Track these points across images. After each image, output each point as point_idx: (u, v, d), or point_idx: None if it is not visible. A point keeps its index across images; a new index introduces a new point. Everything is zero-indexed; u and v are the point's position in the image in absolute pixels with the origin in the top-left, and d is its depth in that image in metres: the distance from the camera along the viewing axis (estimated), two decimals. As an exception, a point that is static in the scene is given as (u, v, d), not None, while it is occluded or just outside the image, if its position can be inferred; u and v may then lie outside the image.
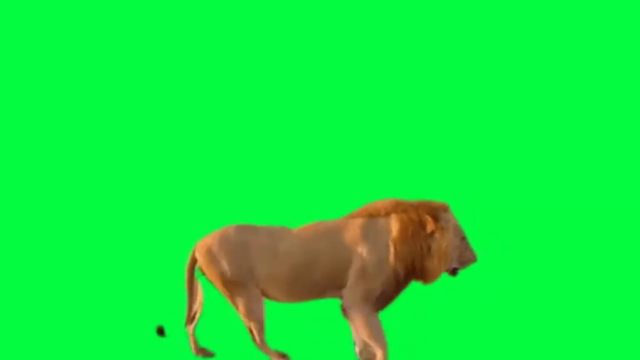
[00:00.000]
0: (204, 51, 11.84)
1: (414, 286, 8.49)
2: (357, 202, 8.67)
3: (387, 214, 8.46)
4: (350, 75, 11.74)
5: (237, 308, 8.42)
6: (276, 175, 11.46)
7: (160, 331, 8.65)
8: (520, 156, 11.55)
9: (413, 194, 8.74)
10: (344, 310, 8.45)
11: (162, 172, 11.62)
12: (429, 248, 8.41)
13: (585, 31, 11.55)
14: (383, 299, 8.43)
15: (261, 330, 8.39)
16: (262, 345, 8.41)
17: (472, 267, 8.60)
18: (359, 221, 8.47)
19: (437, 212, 8.47)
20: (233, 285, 8.40)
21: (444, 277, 8.54)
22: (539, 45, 11.61)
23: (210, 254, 8.45)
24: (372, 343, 8.31)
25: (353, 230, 8.43)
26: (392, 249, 8.35)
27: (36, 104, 11.86)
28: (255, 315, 8.38)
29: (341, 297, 8.47)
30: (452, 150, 11.53)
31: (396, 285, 8.42)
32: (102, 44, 11.89)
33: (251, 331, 8.43)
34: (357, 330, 8.40)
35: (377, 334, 8.31)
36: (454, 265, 8.59)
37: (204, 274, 8.56)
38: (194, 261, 8.59)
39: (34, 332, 9.64)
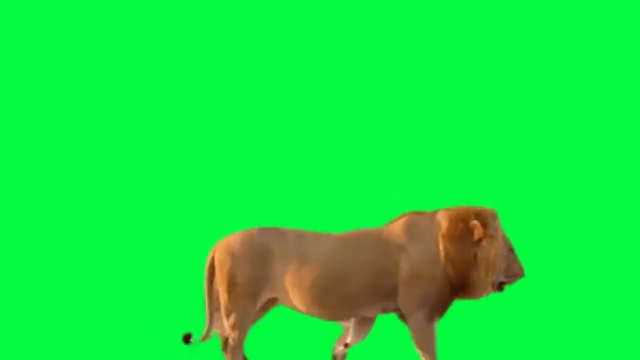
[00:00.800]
0: (225, 55, 11.67)
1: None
2: (376, 207, 8.04)
3: (433, 213, 7.71)
4: (365, 80, 11.51)
5: (227, 313, 7.72)
6: (296, 180, 11.15)
7: (187, 339, 7.98)
8: (549, 162, 11.10)
9: (435, 203, 8.08)
10: (402, 317, 7.71)
11: (182, 174, 11.44)
12: (475, 256, 7.62)
13: (585, 32, 11.25)
14: (441, 303, 7.62)
15: (239, 345, 7.74)
16: (233, 358, 7.75)
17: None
18: (401, 221, 7.72)
19: (485, 217, 7.71)
20: (238, 292, 7.67)
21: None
22: (542, 48, 11.32)
23: (228, 254, 7.73)
24: (421, 353, 7.59)
25: (397, 231, 7.67)
26: (441, 246, 7.56)
27: (52, 108, 11.75)
28: (241, 329, 7.72)
29: (380, 312, 7.72)
30: (470, 156, 11.10)
31: (450, 287, 7.60)
32: (104, 46, 11.71)
33: (227, 341, 7.75)
34: (412, 337, 7.59)
35: (428, 345, 7.57)
36: (501, 278, 7.82)
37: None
38: (213, 260, 7.81)
39: (48, 335, 9.47)
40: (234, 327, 7.69)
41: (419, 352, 7.61)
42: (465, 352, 8.41)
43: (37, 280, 10.66)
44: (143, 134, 11.51)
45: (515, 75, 11.38)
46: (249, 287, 7.66)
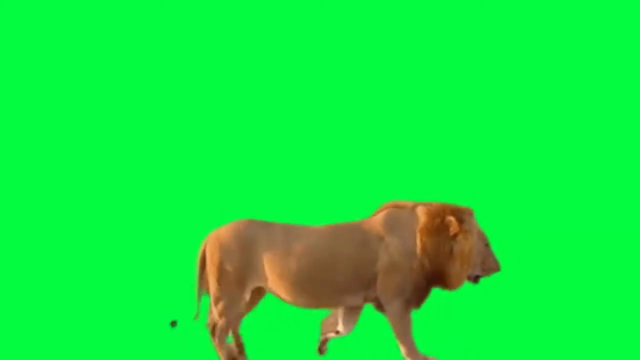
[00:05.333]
0: (215, 52, 11.74)
1: (434, 292, 8.09)
2: (366, 203, 8.29)
3: (413, 207, 8.03)
4: (360, 77, 11.61)
5: (215, 301, 8.09)
6: (287, 175, 11.27)
7: (173, 324, 8.40)
8: (531, 160, 11.29)
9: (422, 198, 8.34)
10: (379, 307, 8.09)
11: (174, 170, 11.57)
12: (451, 250, 7.96)
13: (586, 31, 11.39)
14: (417, 293, 7.99)
15: (226, 331, 8.11)
16: (220, 343, 8.13)
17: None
18: (382, 214, 8.09)
19: (461, 214, 8.05)
20: (227, 280, 8.05)
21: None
22: (541, 46, 11.45)
23: (218, 245, 8.11)
24: (399, 340, 7.97)
25: (378, 223, 8.06)
26: (418, 240, 7.89)
27: (51, 106, 11.77)
28: (228, 316, 8.09)
29: (363, 301, 8.08)
30: (463, 154, 11.28)
31: (426, 278, 7.94)
32: (104, 46, 11.79)
33: (214, 328, 8.12)
34: (390, 325, 7.97)
35: (405, 332, 7.95)
36: (477, 272, 8.20)
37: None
38: (205, 252, 8.20)
39: (44, 332, 9.51)
40: (222, 314, 8.04)
41: (397, 340, 7.97)
42: (444, 344, 8.67)
43: (29, 274, 10.88)
44: (134, 132, 11.66)
45: (495, 74, 11.53)
46: (237, 276, 8.02)
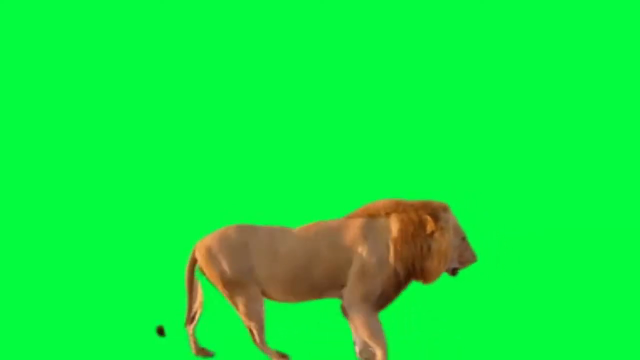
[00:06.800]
0: (205, 51, 11.80)
1: (413, 285, 8.49)
2: (355, 201, 8.63)
3: (387, 214, 8.46)
4: (350, 75, 11.72)
5: (237, 308, 8.41)
6: (275, 175, 11.43)
7: (160, 331, 8.62)
8: (519, 156, 11.52)
9: (410, 194, 8.70)
10: (344, 310, 8.46)
11: (162, 172, 11.60)
12: (429, 248, 8.40)
13: (585, 31, 11.54)
14: (383, 299, 8.44)
15: (261, 330, 8.40)
16: (262, 345, 8.42)
17: (471, 267, 8.58)
18: (358, 221, 8.47)
19: (437, 211, 8.46)
20: (233, 285, 8.39)
21: (444, 277, 8.52)
22: (538, 45, 11.59)
23: (209, 254, 8.43)
24: (371, 343, 8.32)
25: (353, 231, 8.43)
26: (392, 249, 8.35)
27: (36, 104, 11.82)
28: (255, 315, 8.38)
29: (341, 297, 8.48)
30: (450, 151, 11.50)
31: (396, 285, 8.43)
32: (102, 45, 11.85)
33: (251, 331, 8.44)
34: (356, 331, 8.41)
35: (377, 334, 8.33)
36: (454, 265, 8.59)
37: (203, 273, 8.55)
38: (194, 261, 8.57)
39: (34, 333, 9.65)
40: (248, 316, 8.35)
41: (369, 343, 8.32)
42: (423, 336, 9.05)
43: (23, 276, 11.00)
44: (120, 135, 11.75)
45: (477, 74, 11.63)
46: (240, 279, 8.37)
